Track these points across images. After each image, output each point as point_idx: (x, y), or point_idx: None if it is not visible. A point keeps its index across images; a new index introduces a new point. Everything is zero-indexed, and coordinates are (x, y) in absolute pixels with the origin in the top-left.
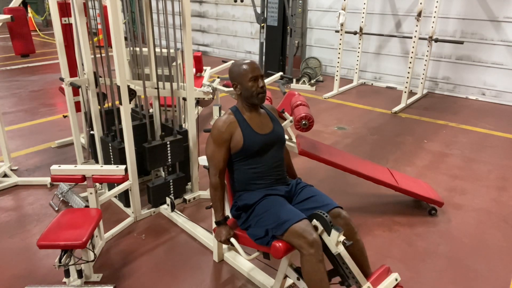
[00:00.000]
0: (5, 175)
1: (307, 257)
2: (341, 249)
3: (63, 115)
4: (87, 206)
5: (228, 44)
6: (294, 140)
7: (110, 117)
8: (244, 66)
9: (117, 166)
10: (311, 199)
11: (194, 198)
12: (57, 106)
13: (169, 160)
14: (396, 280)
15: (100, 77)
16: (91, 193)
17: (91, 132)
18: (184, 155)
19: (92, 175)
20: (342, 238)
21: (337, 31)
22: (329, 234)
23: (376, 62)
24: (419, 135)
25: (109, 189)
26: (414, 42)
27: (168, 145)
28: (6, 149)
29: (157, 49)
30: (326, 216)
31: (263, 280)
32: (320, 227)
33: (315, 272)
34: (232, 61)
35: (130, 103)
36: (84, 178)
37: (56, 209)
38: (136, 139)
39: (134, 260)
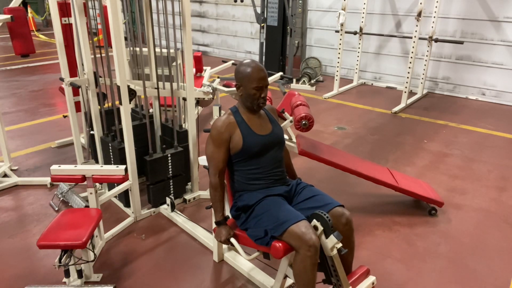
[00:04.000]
0: (5, 175)
1: (302, 258)
2: (334, 253)
3: (63, 115)
4: (87, 206)
5: (228, 44)
6: (294, 140)
7: (110, 117)
8: (252, 72)
9: (117, 166)
10: (313, 199)
11: (194, 198)
12: (57, 106)
13: (170, 172)
14: (373, 284)
15: (100, 77)
16: (91, 193)
17: (91, 132)
18: (184, 167)
19: (92, 175)
20: (339, 245)
21: (337, 31)
22: (327, 237)
23: (376, 62)
24: (419, 135)
25: (109, 189)
26: (414, 42)
27: (169, 158)
28: (6, 149)
29: (157, 49)
30: (329, 219)
31: (263, 280)
32: (320, 228)
33: (306, 274)
34: (232, 61)
35: (130, 103)
36: (84, 178)
37: (56, 209)
38: (136, 139)
39: (134, 260)
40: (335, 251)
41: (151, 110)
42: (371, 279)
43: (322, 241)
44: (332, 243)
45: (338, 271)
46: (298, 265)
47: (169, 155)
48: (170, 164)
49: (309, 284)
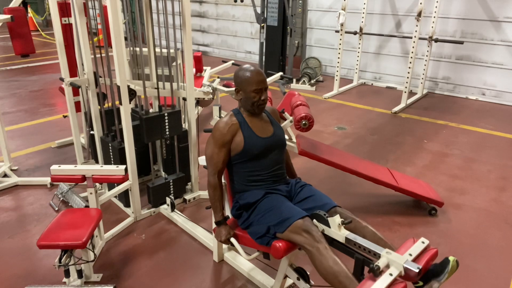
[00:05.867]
0: (5, 175)
1: (314, 250)
2: (346, 232)
3: (63, 115)
4: (87, 206)
5: (228, 44)
6: (294, 140)
7: (110, 117)
8: (251, 76)
9: (117, 166)
10: (310, 199)
11: (194, 198)
12: (57, 106)
13: (167, 132)
14: (423, 242)
15: (100, 77)
16: (91, 193)
17: (91, 132)
18: (181, 129)
19: (92, 175)
20: (339, 220)
21: (337, 31)
22: (329, 226)
23: (376, 62)
24: (419, 135)
25: (109, 189)
26: (414, 42)
27: (166, 117)
28: (6, 149)
29: (157, 49)
30: (319, 211)
31: (263, 280)
32: (321, 226)
33: (326, 259)
34: (232, 61)
35: (130, 103)
36: (84, 178)
37: (56, 209)
38: (136, 139)
39: (134, 260)
40: (344, 230)
41: (151, 110)
42: (420, 240)
43: (329, 233)
44: (334, 223)
45: (363, 243)
46: (315, 259)
47: (166, 114)
48: (167, 123)
49: (336, 266)
